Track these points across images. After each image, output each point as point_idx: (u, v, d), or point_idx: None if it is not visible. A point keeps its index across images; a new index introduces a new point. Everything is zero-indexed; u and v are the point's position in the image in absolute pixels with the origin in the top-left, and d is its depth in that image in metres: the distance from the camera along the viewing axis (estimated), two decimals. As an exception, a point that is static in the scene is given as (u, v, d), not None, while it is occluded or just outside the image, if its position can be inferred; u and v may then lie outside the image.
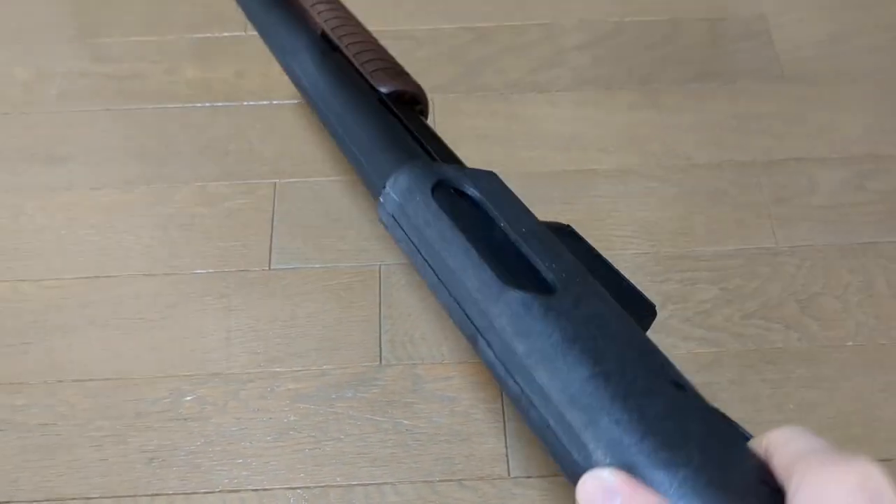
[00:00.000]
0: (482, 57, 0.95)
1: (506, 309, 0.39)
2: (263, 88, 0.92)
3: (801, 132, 0.88)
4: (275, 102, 0.90)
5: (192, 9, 0.99)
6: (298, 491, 0.68)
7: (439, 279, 0.43)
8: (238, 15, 0.97)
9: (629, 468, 0.33)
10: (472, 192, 0.46)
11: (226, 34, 0.96)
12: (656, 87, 0.92)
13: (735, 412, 0.70)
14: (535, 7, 0.99)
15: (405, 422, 0.71)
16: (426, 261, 0.44)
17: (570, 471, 0.35)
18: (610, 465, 0.33)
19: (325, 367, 0.73)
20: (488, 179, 0.47)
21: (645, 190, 0.84)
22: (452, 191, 0.46)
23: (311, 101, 0.62)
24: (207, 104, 0.90)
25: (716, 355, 0.74)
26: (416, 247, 0.45)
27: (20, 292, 0.78)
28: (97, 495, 0.68)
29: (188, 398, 0.72)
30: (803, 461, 0.31)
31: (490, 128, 0.89)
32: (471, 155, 0.87)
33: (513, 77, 0.93)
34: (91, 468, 0.69)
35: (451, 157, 0.56)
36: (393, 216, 0.46)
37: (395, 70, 0.61)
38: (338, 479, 0.68)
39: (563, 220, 0.79)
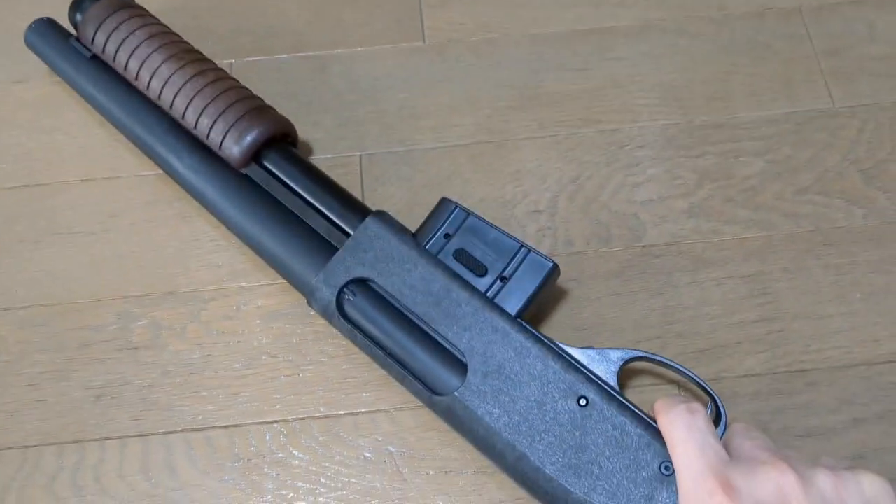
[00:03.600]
0: None
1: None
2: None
3: (856, -31, 0.73)
4: (225, -32, 0.76)
5: None
6: (275, 425, 0.57)
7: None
8: None
9: None
10: (366, 275, 0.54)
11: None
12: (679, -76, 0.77)
13: (792, 305, 0.59)
14: None
15: (398, 338, 0.59)
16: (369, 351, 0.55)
17: None
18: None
19: (300, 277, 0.62)
20: (372, 238, 0.54)
21: (672, 48, 0.70)
22: (353, 285, 0.54)
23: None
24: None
25: (766, 239, 0.62)
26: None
27: (-66, 208, 0.65)
28: (35, 443, 0.57)
29: (139, 323, 0.60)
30: None
31: (485, -16, 0.74)
32: (464, 18, 0.73)
33: (508, -77, 0.78)
34: (27, 412, 0.58)
35: (336, 199, 0.58)
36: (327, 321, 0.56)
37: (248, 115, 0.59)
38: (321, 408, 0.57)
39: (578, 89, 0.68)
